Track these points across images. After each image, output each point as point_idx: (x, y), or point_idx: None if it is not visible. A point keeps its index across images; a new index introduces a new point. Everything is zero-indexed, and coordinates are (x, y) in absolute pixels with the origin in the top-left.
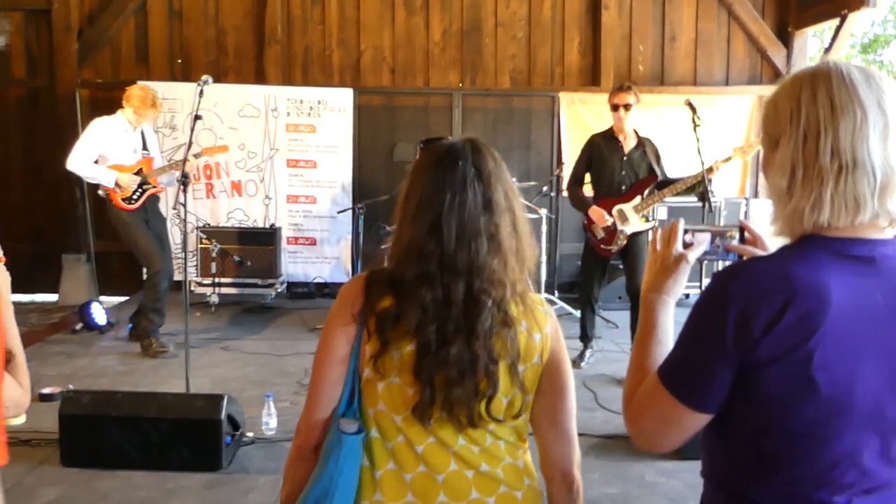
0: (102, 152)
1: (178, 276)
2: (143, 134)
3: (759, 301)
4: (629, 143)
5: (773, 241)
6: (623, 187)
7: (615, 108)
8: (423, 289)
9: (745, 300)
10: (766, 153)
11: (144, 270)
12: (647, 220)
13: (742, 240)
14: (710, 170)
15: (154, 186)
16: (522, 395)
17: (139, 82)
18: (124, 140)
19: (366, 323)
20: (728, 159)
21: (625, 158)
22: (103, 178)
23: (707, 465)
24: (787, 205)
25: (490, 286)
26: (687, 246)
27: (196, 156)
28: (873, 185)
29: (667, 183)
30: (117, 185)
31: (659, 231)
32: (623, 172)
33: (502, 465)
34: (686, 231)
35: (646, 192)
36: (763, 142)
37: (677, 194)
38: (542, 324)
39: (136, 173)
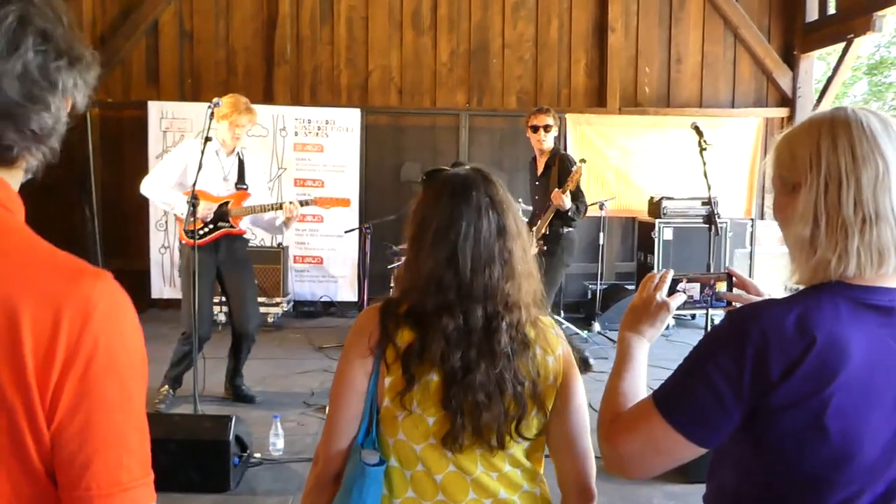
0: (184, 178)
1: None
2: (240, 163)
3: (777, 346)
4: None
5: (769, 287)
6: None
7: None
8: (444, 318)
9: (763, 343)
10: (779, 197)
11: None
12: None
13: (731, 286)
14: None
15: (232, 226)
16: (542, 415)
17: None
18: (213, 164)
19: (383, 355)
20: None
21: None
22: (175, 203)
23: (713, 498)
24: (811, 256)
25: (504, 309)
26: (672, 293)
27: (303, 203)
28: None
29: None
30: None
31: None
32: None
33: (520, 493)
34: (677, 280)
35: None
36: (775, 183)
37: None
38: (555, 346)
39: (221, 206)
